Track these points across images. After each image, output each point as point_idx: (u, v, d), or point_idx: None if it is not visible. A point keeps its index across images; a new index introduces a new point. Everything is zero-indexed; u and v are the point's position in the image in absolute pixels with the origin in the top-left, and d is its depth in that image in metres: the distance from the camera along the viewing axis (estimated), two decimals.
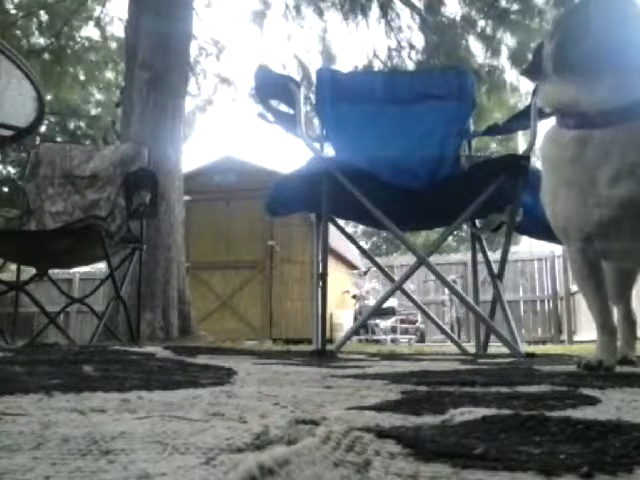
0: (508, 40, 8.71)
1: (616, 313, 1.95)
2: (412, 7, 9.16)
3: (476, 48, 8.98)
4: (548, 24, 8.01)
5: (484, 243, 3.22)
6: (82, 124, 13.73)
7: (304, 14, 9.94)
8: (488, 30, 8.69)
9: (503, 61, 8.88)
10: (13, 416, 0.61)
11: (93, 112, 13.47)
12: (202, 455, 0.41)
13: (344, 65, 11.43)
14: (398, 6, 9.31)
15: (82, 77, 11.86)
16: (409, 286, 5.56)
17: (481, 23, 8.78)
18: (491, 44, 8.70)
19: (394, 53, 9.51)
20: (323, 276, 2.77)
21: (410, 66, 9.32)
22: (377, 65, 9.70)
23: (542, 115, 1.98)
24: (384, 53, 9.62)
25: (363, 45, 13.63)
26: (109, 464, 0.40)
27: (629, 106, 1.46)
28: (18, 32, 10.24)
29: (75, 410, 0.69)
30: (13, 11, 10.49)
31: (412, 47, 9.46)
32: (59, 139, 12.52)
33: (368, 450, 0.41)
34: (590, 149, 1.47)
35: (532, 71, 1.74)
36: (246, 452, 0.44)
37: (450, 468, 0.37)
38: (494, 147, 11.76)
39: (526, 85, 8.68)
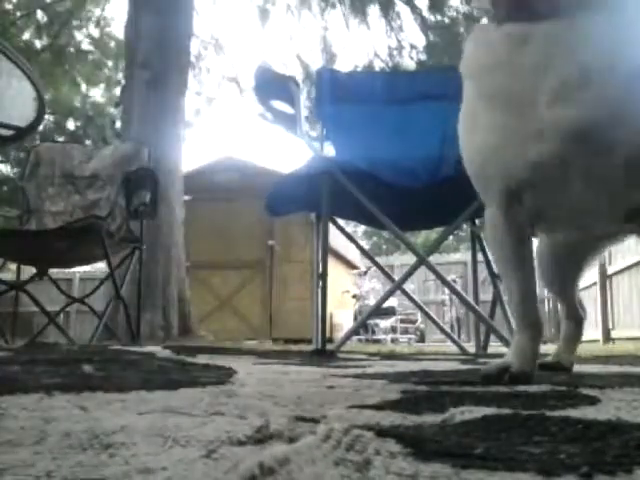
0: None
1: (560, 310, 1.58)
2: (412, 7, 9.16)
3: None
4: None
5: (484, 243, 3.22)
6: (81, 124, 13.72)
7: (305, 14, 9.94)
8: None
9: None
10: (14, 413, 0.61)
11: (93, 112, 13.46)
12: (203, 448, 0.41)
13: (345, 65, 11.44)
14: (399, 6, 9.31)
15: (82, 77, 11.86)
16: (409, 286, 5.56)
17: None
18: None
19: (395, 52, 9.51)
20: (323, 276, 2.77)
21: (411, 65, 9.32)
22: (378, 65, 9.70)
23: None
24: (385, 52, 9.62)
25: (364, 45, 13.65)
26: (110, 458, 0.40)
27: None
28: (17, 32, 10.24)
29: (76, 406, 0.69)
30: (12, 11, 10.49)
31: (413, 47, 9.47)
32: (59, 139, 12.51)
33: (368, 449, 0.41)
34: (528, 50, 0.98)
35: None
36: (247, 445, 0.44)
37: (450, 468, 0.37)
38: None
39: None
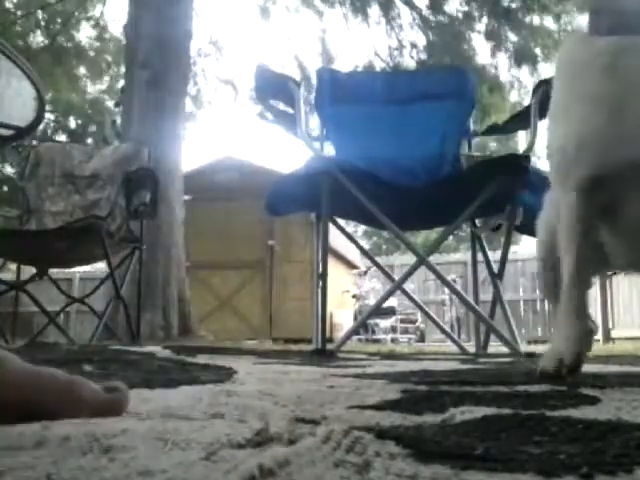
0: (511, 38, 8.70)
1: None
2: (412, 6, 9.15)
3: (478, 46, 8.99)
4: (551, 21, 7.98)
5: (484, 242, 3.22)
6: (82, 123, 13.73)
7: (305, 14, 9.94)
8: (490, 28, 8.69)
9: (506, 59, 8.89)
10: None
11: (92, 111, 13.47)
12: (202, 450, 0.41)
13: (345, 65, 11.44)
14: (399, 5, 9.31)
15: (81, 76, 11.86)
16: (409, 286, 5.56)
17: (484, 21, 8.78)
18: (493, 42, 8.69)
19: (395, 52, 9.51)
20: (323, 276, 2.77)
21: (412, 65, 9.32)
22: (378, 64, 9.70)
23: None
24: (385, 52, 9.62)
25: (364, 44, 13.65)
26: (110, 462, 0.40)
27: None
28: (18, 31, 10.24)
29: None
30: (13, 10, 10.49)
31: (414, 46, 9.46)
32: (59, 139, 12.52)
33: (368, 451, 0.41)
34: (628, 60, 1.08)
35: None
36: (246, 448, 0.44)
37: (450, 469, 0.37)
38: (494, 147, 11.76)
39: (528, 83, 8.69)
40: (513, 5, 8.38)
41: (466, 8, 8.90)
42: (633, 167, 1.06)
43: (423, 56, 9.26)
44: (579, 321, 1.14)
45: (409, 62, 9.44)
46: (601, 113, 1.09)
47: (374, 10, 9.36)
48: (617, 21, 1.11)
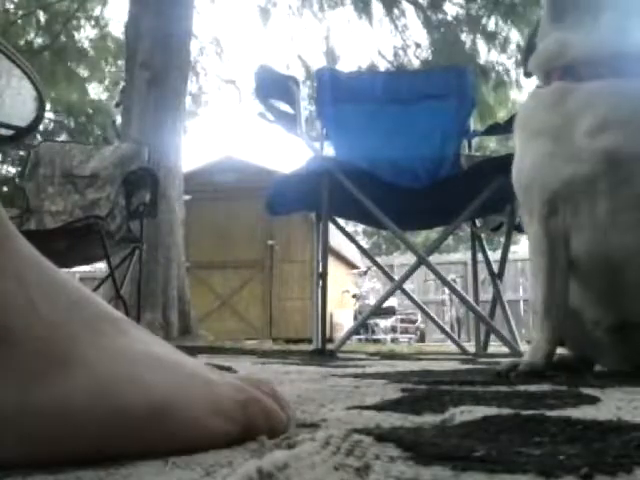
0: (513, 36, 8.70)
1: None
2: (415, 4, 9.14)
3: (481, 45, 8.99)
4: None
5: (484, 242, 3.22)
6: (82, 123, 13.73)
7: (307, 13, 9.94)
8: (492, 26, 8.68)
9: (508, 58, 8.88)
10: None
11: (93, 111, 13.47)
12: (202, 470, 0.41)
13: (348, 65, 11.43)
14: (403, 4, 9.30)
15: (82, 76, 11.86)
16: (409, 285, 5.56)
17: (485, 20, 8.77)
18: (496, 41, 8.68)
19: (400, 52, 9.50)
20: (323, 276, 2.77)
21: (416, 65, 9.31)
22: (383, 64, 9.70)
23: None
24: (390, 52, 9.62)
25: (368, 44, 13.64)
26: (108, 476, 0.39)
27: (624, 56, 1.20)
28: (18, 31, 10.24)
29: None
30: (13, 10, 10.49)
31: (418, 45, 9.45)
32: (59, 138, 12.51)
33: (368, 454, 0.41)
34: (571, 98, 1.21)
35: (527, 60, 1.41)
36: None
37: (450, 471, 0.37)
38: (494, 146, 11.76)
39: (531, 82, 8.69)
40: (516, 0, 8.36)
41: (467, 7, 8.89)
42: (576, 181, 1.20)
43: (427, 55, 9.24)
44: (548, 345, 1.22)
45: (414, 62, 9.42)
46: (546, 143, 1.24)
47: (377, 9, 9.35)
48: (565, 71, 1.25)
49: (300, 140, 2.96)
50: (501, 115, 8.21)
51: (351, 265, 11.79)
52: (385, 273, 3.60)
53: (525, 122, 1.34)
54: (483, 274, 3.26)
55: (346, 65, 10.86)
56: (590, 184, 1.18)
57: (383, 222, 2.71)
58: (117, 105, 7.92)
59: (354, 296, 10.89)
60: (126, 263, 3.84)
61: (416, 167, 3.11)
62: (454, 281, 8.37)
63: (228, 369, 1.44)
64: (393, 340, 10.27)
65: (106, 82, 12.76)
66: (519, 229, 3.02)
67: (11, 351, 0.41)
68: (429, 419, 0.63)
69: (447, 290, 10.00)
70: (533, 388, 0.99)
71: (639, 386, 1.02)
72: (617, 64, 1.20)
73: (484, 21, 8.77)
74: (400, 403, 0.78)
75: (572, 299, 1.28)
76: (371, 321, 10.10)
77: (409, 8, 9.27)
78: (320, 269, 2.81)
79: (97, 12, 11.02)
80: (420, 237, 16.09)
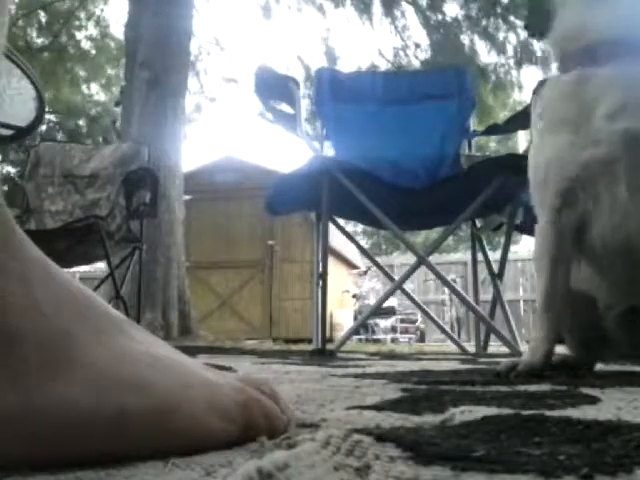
0: (512, 38, 8.71)
1: None
2: (415, 4, 9.15)
3: (481, 46, 8.99)
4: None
5: (484, 242, 3.22)
6: (82, 123, 13.73)
7: (307, 13, 9.94)
8: (491, 28, 8.69)
9: (507, 60, 8.88)
10: None
11: (93, 111, 13.48)
12: (202, 470, 0.41)
13: (349, 65, 11.43)
14: (403, 5, 9.30)
15: (82, 76, 11.86)
16: (409, 285, 5.56)
17: (484, 21, 8.77)
18: (495, 42, 8.68)
19: (400, 52, 9.51)
20: (323, 276, 2.77)
21: (416, 65, 9.32)
22: (383, 65, 9.70)
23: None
24: (390, 52, 9.62)
25: (368, 44, 13.65)
26: (108, 477, 0.39)
27: None
28: (18, 31, 10.24)
29: None
30: (13, 10, 10.49)
31: (418, 46, 9.46)
32: (59, 138, 12.51)
33: (368, 454, 0.40)
34: (590, 86, 1.19)
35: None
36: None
37: (450, 471, 0.37)
38: (494, 147, 11.76)
39: (531, 83, 8.69)
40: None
41: (466, 8, 8.89)
42: (594, 164, 1.16)
43: (427, 56, 9.25)
44: (547, 344, 1.22)
45: (414, 62, 9.43)
46: (565, 135, 1.21)
47: (377, 9, 9.35)
48: (582, 55, 1.22)
49: (300, 140, 2.96)
50: (501, 116, 8.21)
51: (351, 265, 11.79)
52: (385, 273, 3.60)
53: (544, 113, 1.31)
54: (483, 274, 3.26)
55: (346, 65, 10.86)
56: (609, 166, 1.15)
57: (383, 222, 2.71)
58: (117, 104, 7.92)
59: (354, 296, 10.89)
60: (126, 263, 3.84)
61: (416, 167, 3.11)
62: (454, 281, 8.36)
63: (228, 369, 1.44)
64: (393, 340, 10.27)
65: (106, 82, 12.76)
66: (519, 229, 3.02)
67: (15, 351, 0.41)
68: (429, 419, 0.63)
69: (447, 290, 10.00)
70: (533, 388, 0.99)
71: (639, 386, 1.02)
72: (635, 43, 1.18)
73: (484, 22, 8.77)
74: (400, 403, 0.78)
75: (585, 285, 1.28)
76: (371, 321, 10.10)
77: (409, 9, 9.28)
78: (320, 269, 2.81)
79: (97, 12, 11.04)
80: (420, 237, 16.09)
